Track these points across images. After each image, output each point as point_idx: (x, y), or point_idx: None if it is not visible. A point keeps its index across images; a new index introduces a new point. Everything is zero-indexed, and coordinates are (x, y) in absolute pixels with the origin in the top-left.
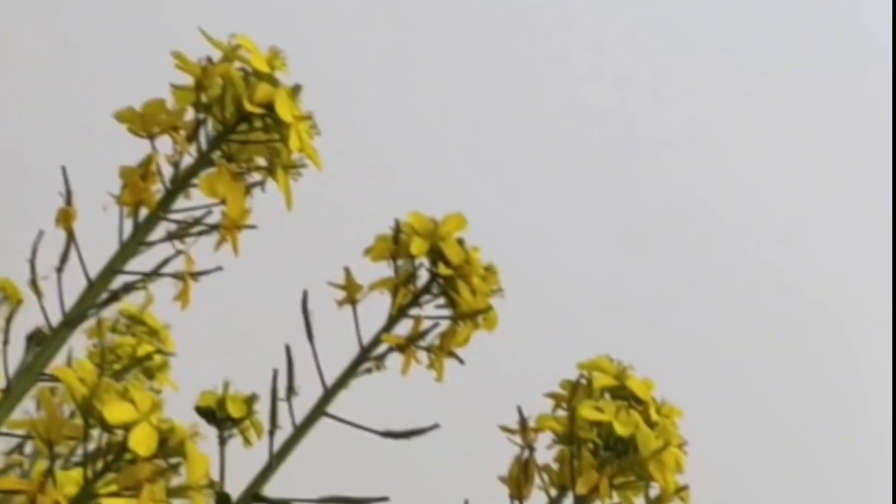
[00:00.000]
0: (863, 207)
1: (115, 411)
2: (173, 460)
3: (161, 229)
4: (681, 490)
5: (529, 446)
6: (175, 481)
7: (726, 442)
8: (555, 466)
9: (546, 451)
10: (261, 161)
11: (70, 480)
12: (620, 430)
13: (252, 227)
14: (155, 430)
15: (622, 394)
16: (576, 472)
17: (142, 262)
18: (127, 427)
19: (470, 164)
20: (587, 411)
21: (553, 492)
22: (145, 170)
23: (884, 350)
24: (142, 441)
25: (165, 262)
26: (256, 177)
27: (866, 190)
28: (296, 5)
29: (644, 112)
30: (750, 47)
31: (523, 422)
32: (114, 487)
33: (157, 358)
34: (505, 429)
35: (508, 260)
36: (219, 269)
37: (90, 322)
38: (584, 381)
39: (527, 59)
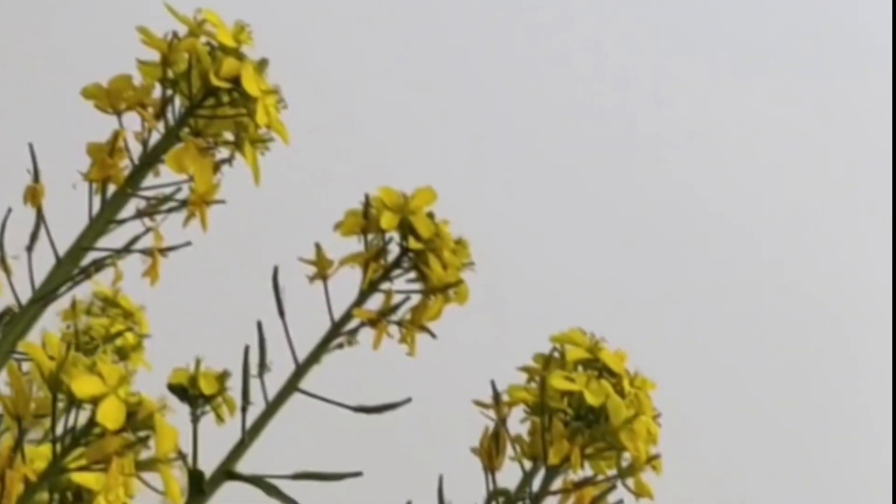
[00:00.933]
0: (863, 207)
1: (83, 385)
2: (142, 433)
3: (131, 207)
4: (652, 459)
5: (503, 420)
6: (144, 455)
7: (727, 441)
8: (527, 438)
9: (520, 426)
10: (228, 136)
11: (39, 456)
12: (591, 399)
13: (220, 202)
14: (123, 403)
15: (595, 366)
16: (547, 442)
17: (113, 240)
18: (95, 401)
19: (469, 161)
20: (558, 381)
21: (527, 464)
22: (113, 146)
23: (884, 343)
24: (110, 414)
25: (136, 239)
26: (224, 153)
27: (866, 189)
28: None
29: (644, 111)
30: (750, 47)
31: (497, 396)
32: (83, 462)
33: (131, 338)
34: (478, 403)
35: (506, 252)
36: (187, 244)
37: (64, 304)
38: (556, 355)
39: (527, 59)
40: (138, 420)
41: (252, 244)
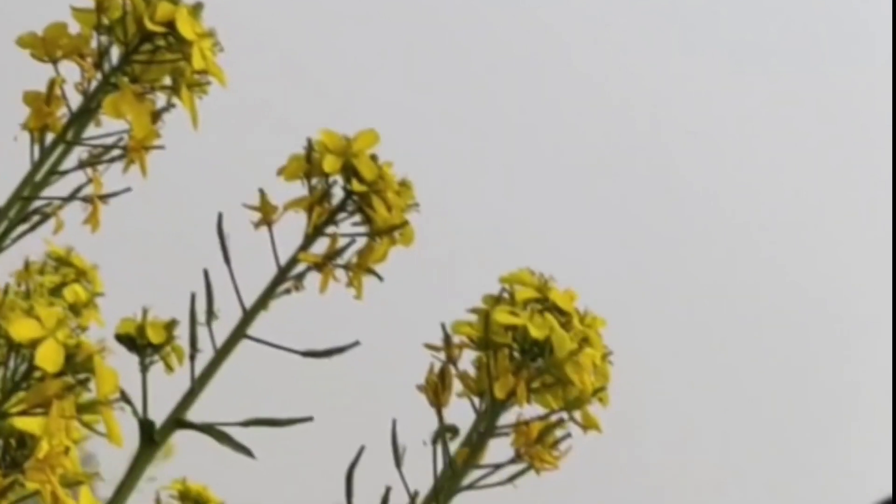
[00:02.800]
0: (863, 206)
1: (21, 328)
2: (81, 376)
3: (74, 158)
4: (599, 391)
5: (454, 363)
6: (85, 397)
7: (679, 377)
8: (474, 374)
9: (470, 366)
10: (166, 81)
11: None
12: (535, 332)
13: (159, 147)
14: (61, 346)
15: (545, 306)
16: (492, 377)
17: (58, 193)
18: (33, 344)
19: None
20: (501, 316)
21: (478, 401)
22: (49, 94)
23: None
24: (49, 357)
25: (79, 189)
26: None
27: (866, 189)
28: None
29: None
30: (751, 46)
31: (447, 338)
32: (23, 406)
33: (83, 294)
34: (429, 346)
35: (455, 193)
36: (127, 190)
37: (17, 265)
38: (506, 295)
39: (527, 58)
40: (77, 362)
41: (195, 192)
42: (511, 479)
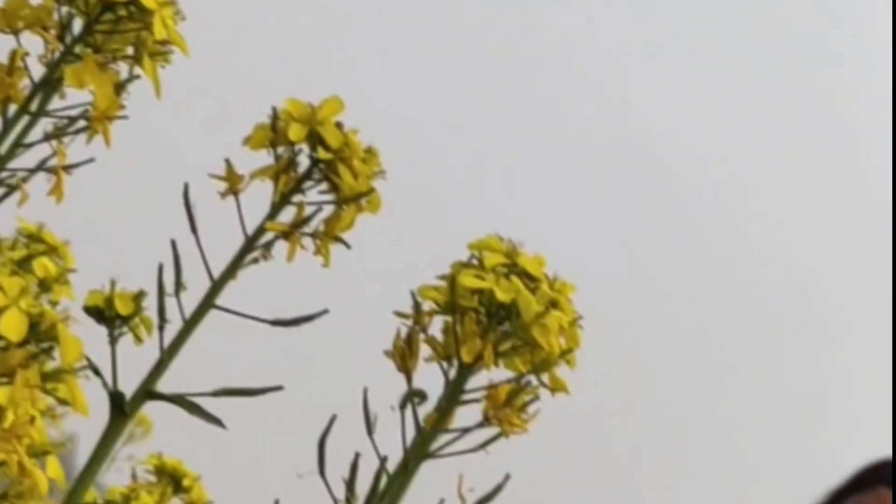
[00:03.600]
0: (862, 207)
1: None
2: (45, 345)
3: (38, 131)
4: (566, 353)
5: (424, 331)
6: (49, 366)
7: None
8: (441, 339)
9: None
10: (128, 51)
11: None
12: (501, 295)
13: (123, 117)
14: (25, 314)
15: (514, 272)
16: (459, 341)
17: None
18: None
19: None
20: (467, 279)
21: (448, 367)
22: (11, 65)
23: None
24: (12, 326)
25: (45, 160)
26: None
27: (865, 189)
28: None
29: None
30: (752, 47)
31: (417, 306)
32: None
33: (53, 270)
34: (399, 314)
35: (422, 162)
36: (90, 160)
37: None
38: (475, 262)
39: (528, 59)
40: (41, 331)
41: (161, 162)
42: (483, 445)
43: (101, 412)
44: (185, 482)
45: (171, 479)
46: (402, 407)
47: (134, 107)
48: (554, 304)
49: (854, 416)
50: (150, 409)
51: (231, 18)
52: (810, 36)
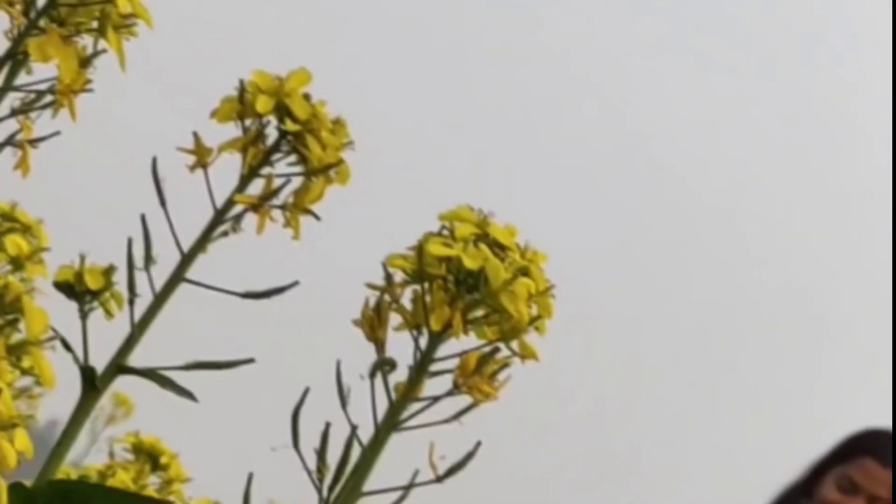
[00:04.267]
0: (862, 206)
1: None
2: (10, 317)
3: (5, 106)
4: (535, 320)
5: (396, 301)
6: (15, 338)
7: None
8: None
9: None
10: (93, 25)
11: None
12: (469, 263)
13: (88, 90)
14: None
15: (486, 242)
16: (428, 309)
17: None
18: None
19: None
20: (435, 247)
21: (418, 336)
22: None
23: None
24: None
25: (12, 136)
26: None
27: (866, 189)
28: None
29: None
30: (752, 47)
31: (388, 277)
32: None
33: (25, 248)
34: (371, 286)
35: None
36: (56, 133)
37: None
38: (446, 232)
39: (527, 58)
40: (6, 303)
41: (129, 137)
42: (456, 416)
43: (76, 390)
44: (163, 460)
45: (148, 456)
46: (372, 376)
47: (101, 81)
48: (525, 273)
49: (854, 416)
50: (125, 385)
51: None
52: (810, 36)
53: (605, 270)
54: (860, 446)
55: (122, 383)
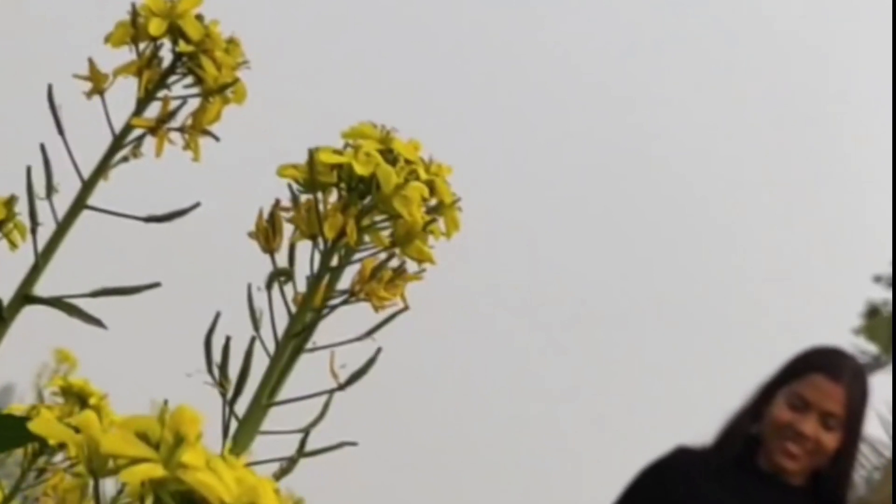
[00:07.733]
0: (863, 206)
1: None
2: None
3: None
4: (429, 223)
5: (287, 210)
6: None
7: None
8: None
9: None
10: None
11: None
12: (360, 169)
13: None
14: None
15: (390, 158)
16: (321, 217)
17: None
18: None
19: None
20: (326, 155)
21: (321, 247)
22: None
23: None
24: None
25: None
26: None
27: (866, 189)
28: None
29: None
30: (751, 47)
31: (295, 198)
32: None
33: None
34: (280, 208)
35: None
36: None
37: None
38: (350, 150)
39: (528, 58)
40: None
41: (26, 66)
42: (369, 332)
43: None
44: (92, 401)
45: (77, 398)
46: (269, 287)
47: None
48: (411, 174)
49: None
50: (32, 315)
51: None
52: (810, 36)
53: (605, 271)
54: (809, 363)
55: (29, 314)
